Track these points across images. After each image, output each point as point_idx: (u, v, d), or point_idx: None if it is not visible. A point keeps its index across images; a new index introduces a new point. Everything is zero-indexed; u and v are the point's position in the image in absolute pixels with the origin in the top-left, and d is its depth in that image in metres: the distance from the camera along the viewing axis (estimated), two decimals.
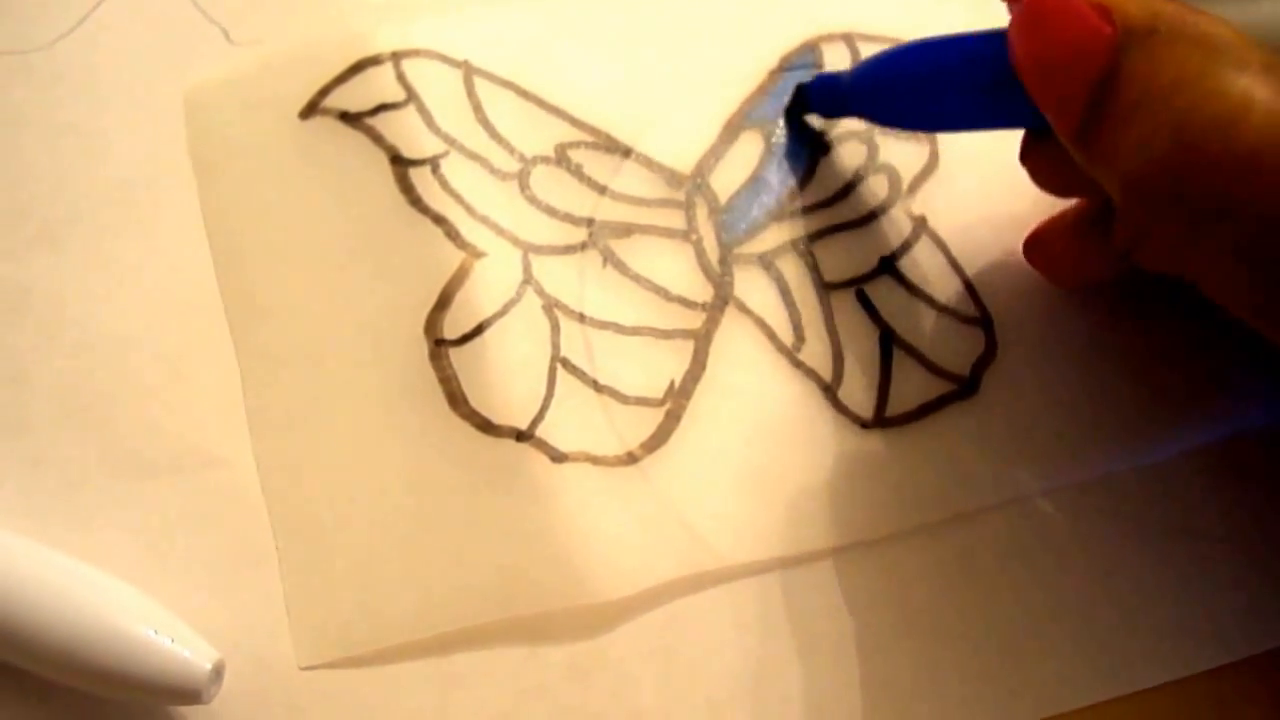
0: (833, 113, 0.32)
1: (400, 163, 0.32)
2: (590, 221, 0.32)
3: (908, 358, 0.31)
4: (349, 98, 0.32)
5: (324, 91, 0.32)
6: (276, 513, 0.28)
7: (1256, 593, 0.29)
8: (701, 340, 0.31)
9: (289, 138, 0.32)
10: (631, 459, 0.29)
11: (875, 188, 0.33)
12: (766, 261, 0.32)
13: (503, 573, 0.28)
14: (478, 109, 0.33)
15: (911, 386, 0.30)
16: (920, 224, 0.32)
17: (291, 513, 0.28)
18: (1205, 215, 0.22)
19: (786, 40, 0.34)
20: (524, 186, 0.32)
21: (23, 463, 0.28)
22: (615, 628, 0.28)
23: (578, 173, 0.32)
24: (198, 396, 0.29)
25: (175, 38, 0.33)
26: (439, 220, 0.31)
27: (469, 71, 0.33)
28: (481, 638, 0.28)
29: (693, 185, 0.32)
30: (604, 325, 0.30)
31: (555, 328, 0.30)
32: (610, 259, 0.31)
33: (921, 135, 0.33)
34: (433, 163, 0.32)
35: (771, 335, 0.31)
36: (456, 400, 0.29)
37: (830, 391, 0.30)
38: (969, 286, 0.32)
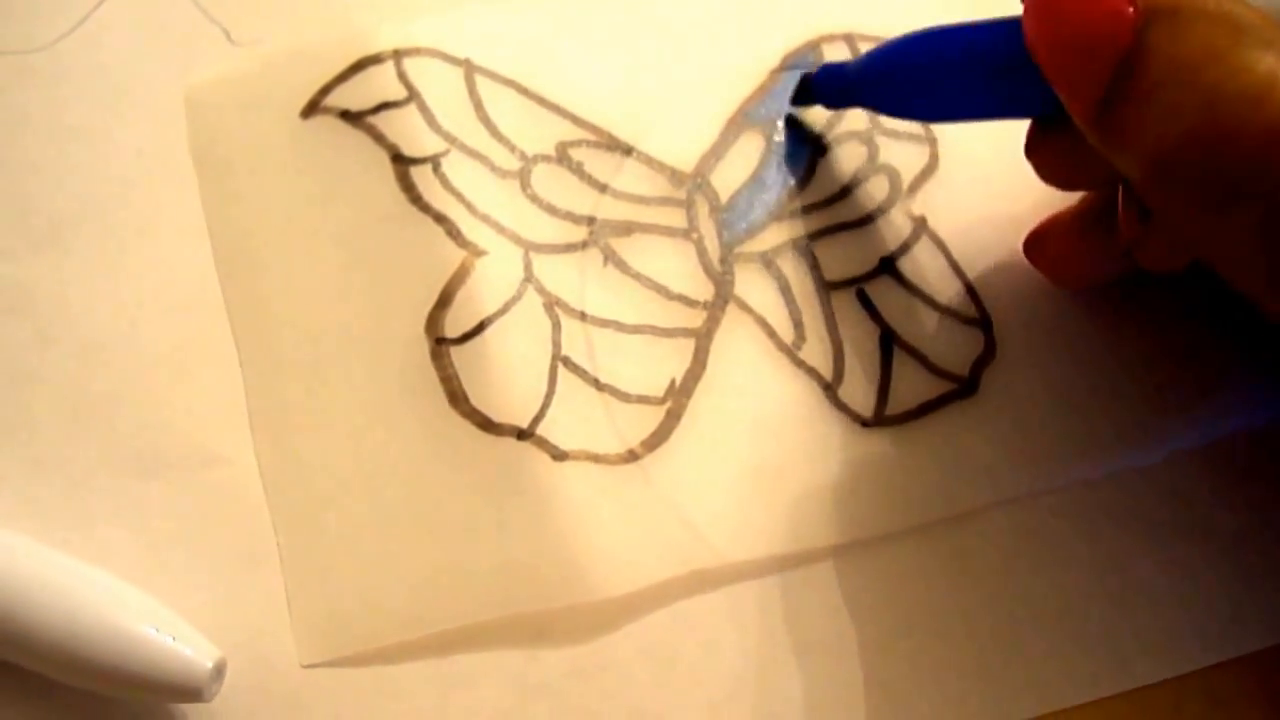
0: (837, 103, 0.32)
1: (401, 161, 0.32)
2: (591, 220, 0.32)
3: (908, 357, 0.31)
4: (350, 96, 0.32)
5: (325, 90, 0.32)
6: (278, 511, 0.28)
7: (1256, 590, 0.29)
8: (702, 339, 0.31)
9: (290, 137, 0.32)
10: (632, 457, 0.29)
11: (875, 188, 0.33)
12: (767, 260, 0.32)
13: (504, 570, 0.28)
14: (479, 107, 0.33)
15: (911, 386, 0.30)
16: (920, 224, 0.32)
17: (293, 511, 0.28)
18: (1230, 190, 0.22)
19: (788, 39, 0.34)
20: (525, 185, 0.32)
21: (24, 462, 0.28)
22: (616, 628, 0.28)
23: (579, 171, 0.32)
24: (199, 395, 0.29)
25: (176, 37, 0.33)
26: (440, 219, 0.31)
27: (470, 70, 0.33)
28: (482, 637, 0.28)
29: (694, 184, 0.32)
30: (605, 324, 0.30)
31: (556, 326, 0.30)
32: (611, 258, 0.31)
33: (922, 136, 0.33)
34: (434, 161, 0.32)
35: (772, 334, 0.31)
36: (457, 399, 0.29)
37: (831, 390, 0.30)
38: (969, 286, 0.32)
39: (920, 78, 0.29)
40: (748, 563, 0.28)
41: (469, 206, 0.31)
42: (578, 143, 0.32)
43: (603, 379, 0.30)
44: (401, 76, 0.32)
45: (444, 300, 0.30)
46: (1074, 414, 0.30)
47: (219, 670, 0.25)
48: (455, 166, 0.32)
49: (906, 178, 0.33)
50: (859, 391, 0.30)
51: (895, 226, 0.32)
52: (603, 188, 0.32)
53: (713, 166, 0.32)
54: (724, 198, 0.32)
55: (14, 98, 0.32)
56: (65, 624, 0.25)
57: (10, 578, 0.25)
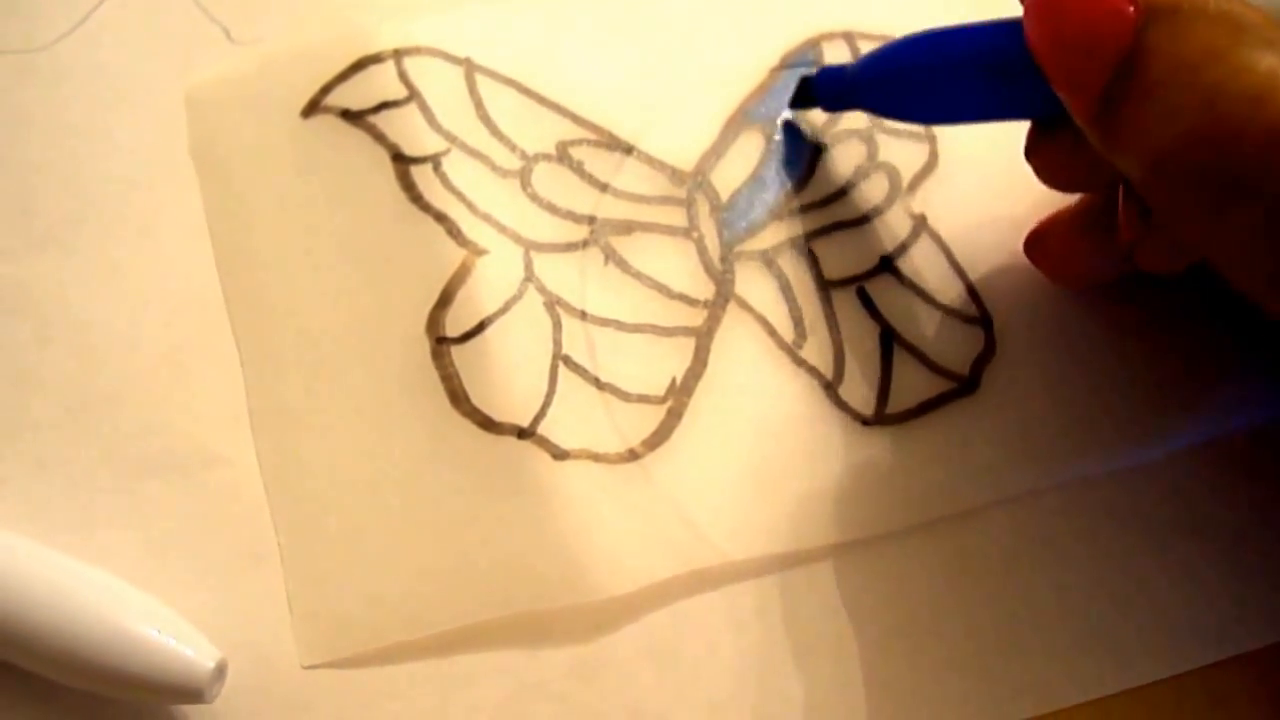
0: (838, 106, 0.32)
1: (402, 160, 0.32)
2: (592, 219, 0.32)
3: (908, 356, 0.31)
4: (350, 96, 0.32)
5: (325, 89, 0.32)
6: (279, 511, 0.28)
7: (1257, 588, 0.29)
8: (703, 338, 0.31)
9: (290, 136, 0.32)
10: (633, 456, 0.29)
11: (875, 186, 0.33)
12: (768, 259, 0.32)
13: (505, 570, 0.28)
14: (479, 106, 0.33)
15: (912, 384, 0.30)
16: (920, 222, 0.32)
17: (294, 511, 0.28)
18: (1230, 190, 0.22)
19: (788, 38, 0.34)
20: (525, 184, 0.32)
21: (25, 463, 0.28)
22: (616, 628, 0.28)
23: (579, 170, 0.32)
24: (200, 395, 0.29)
25: (177, 37, 0.33)
26: (440, 218, 0.31)
27: (470, 69, 0.33)
28: (483, 637, 0.28)
29: (694, 183, 0.32)
30: (605, 323, 0.30)
31: (557, 325, 0.30)
32: (612, 257, 0.31)
33: (921, 134, 0.33)
34: (434, 160, 0.32)
35: (773, 333, 0.31)
36: (458, 398, 0.29)
37: (831, 389, 0.30)
38: (969, 285, 0.32)
39: (920, 79, 0.29)
40: (748, 561, 0.28)
41: (469, 206, 0.31)
42: (578, 142, 0.32)
43: (603, 378, 0.30)
44: (402, 76, 0.32)
45: (445, 299, 0.30)
46: (1074, 412, 0.30)
47: (220, 671, 0.26)
48: (456, 166, 0.32)
49: (906, 176, 0.33)
50: (859, 390, 0.30)
51: (895, 225, 0.32)
52: (603, 187, 0.32)
53: (713, 165, 0.32)
54: (724, 196, 0.32)
55: (14, 97, 0.32)
56: (66, 625, 0.25)
57: (11, 579, 0.25)
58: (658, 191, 0.32)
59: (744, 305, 0.31)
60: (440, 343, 0.30)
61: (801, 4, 0.35)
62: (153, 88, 0.32)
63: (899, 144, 0.33)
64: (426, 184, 0.31)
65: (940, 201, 0.32)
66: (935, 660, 0.28)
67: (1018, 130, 0.28)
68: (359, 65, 0.33)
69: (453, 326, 0.30)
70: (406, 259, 0.31)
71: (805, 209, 0.32)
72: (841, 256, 0.32)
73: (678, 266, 0.31)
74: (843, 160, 0.33)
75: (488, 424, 0.29)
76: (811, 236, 0.32)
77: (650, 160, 0.32)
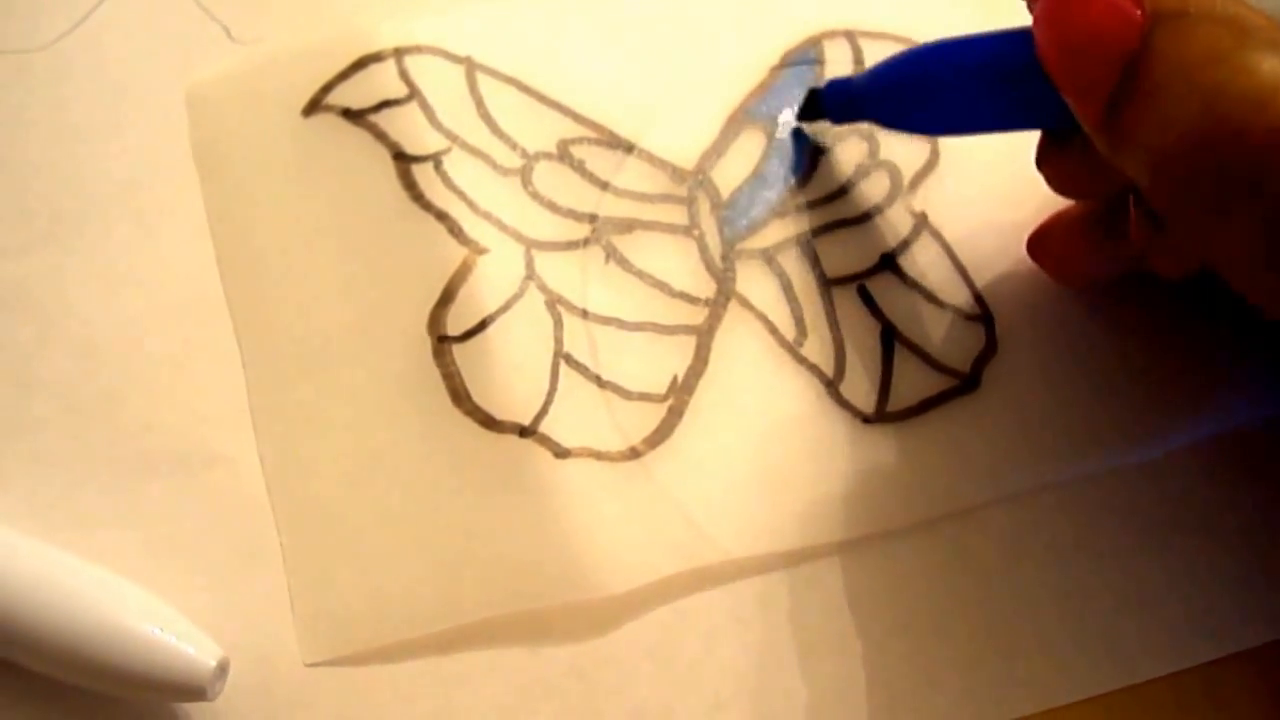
0: (845, 118, 0.32)
1: (403, 159, 0.32)
2: (593, 217, 0.32)
3: (909, 353, 0.31)
4: (351, 94, 0.32)
5: (326, 88, 0.32)
6: (281, 510, 0.28)
7: (1256, 586, 0.29)
8: (704, 336, 0.31)
9: (291, 135, 0.32)
10: (634, 454, 0.29)
11: (876, 184, 0.33)
12: (768, 257, 0.32)
13: (506, 568, 0.28)
14: (480, 105, 0.33)
15: (913, 382, 0.31)
16: (921, 220, 0.32)
17: (295, 510, 0.28)
18: (1234, 190, 0.22)
19: (788, 36, 0.34)
20: (526, 183, 0.32)
21: (27, 461, 0.28)
22: (617, 625, 0.28)
23: (580, 169, 0.32)
24: (202, 394, 0.29)
25: (177, 35, 0.33)
26: (442, 216, 0.31)
27: (471, 68, 0.33)
28: (485, 635, 0.28)
29: (695, 181, 0.32)
30: (607, 321, 0.31)
31: (558, 324, 0.30)
32: (613, 255, 0.31)
33: None
34: (435, 159, 0.32)
35: (773, 331, 0.31)
36: (459, 396, 0.29)
37: (832, 387, 0.30)
38: (970, 282, 0.32)
39: (928, 90, 0.28)
40: (749, 559, 0.28)
41: (470, 204, 0.31)
42: (579, 140, 0.32)
43: (605, 376, 0.30)
44: (403, 74, 0.32)
45: (446, 298, 0.30)
46: (1075, 410, 0.30)
47: (222, 669, 0.26)
48: (457, 164, 0.32)
49: (907, 174, 0.33)
50: (860, 388, 0.30)
51: (896, 223, 0.32)
52: (604, 185, 0.32)
53: (714, 163, 0.33)
54: (725, 194, 0.32)
55: (15, 96, 0.32)
56: (68, 624, 0.25)
57: (13, 577, 0.25)
58: (659, 190, 0.32)
59: (745, 303, 0.31)
60: (442, 341, 0.30)
61: (802, 2, 0.35)
62: (153, 87, 0.33)
63: (900, 142, 0.33)
64: (428, 182, 0.31)
65: (941, 200, 0.32)
66: (936, 657, 0.28)
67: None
68: (360, 64, 0.33)
69: (454, 325, 0.30)
70: (408, 257, 0.31)
71: (806, 207, 0.32)
72: (843, 254, 0.32)
73: (679, 265, 0.31)
74: (844, 158, 0.33)
75: (489, 422, 0.29)
76: (813, 234, 0.32)
77: (651, 158, 0.32)
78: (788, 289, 0.31)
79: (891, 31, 0.34)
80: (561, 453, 0.29)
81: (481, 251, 0.31)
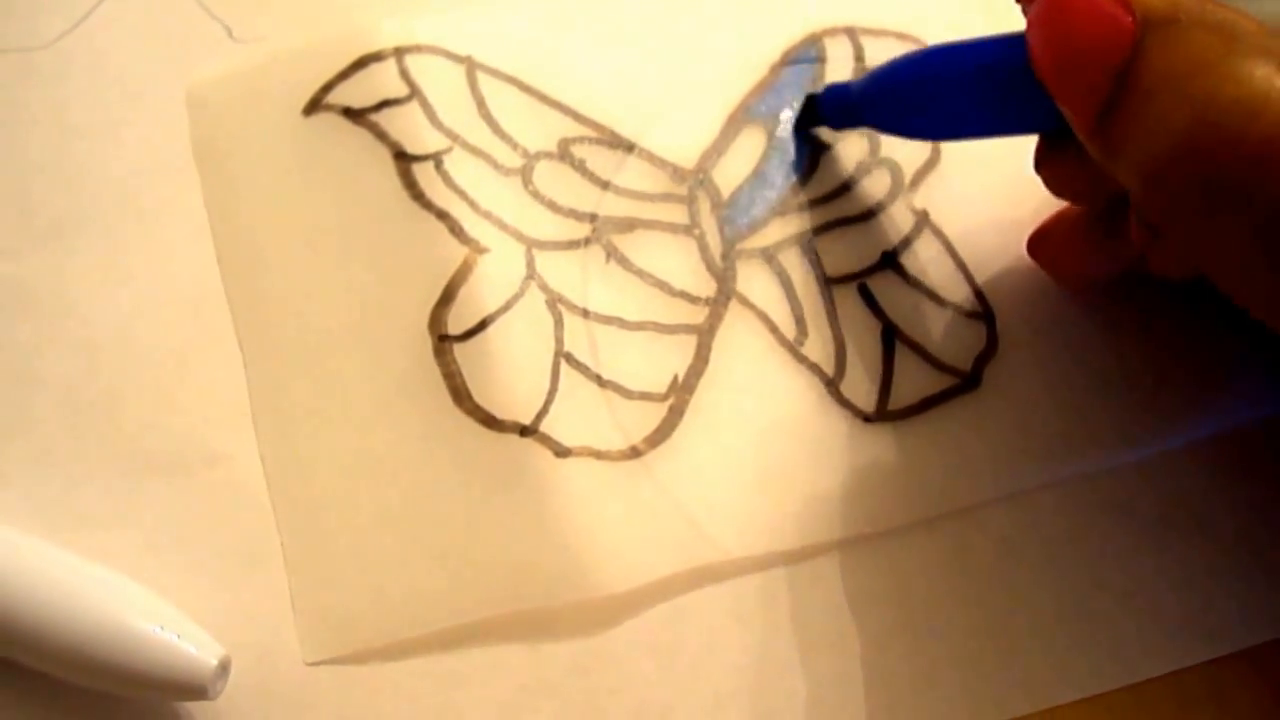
0: (844, 124, 0.32)
1: (403, 158, 0.32)
2: (593, 217, 0.32)
3: (910, 352, 0.31)
4: (352, 94, 0.32)
5: (327, 88, 0.32)
6: (281, 509, 0.28)
7: (1255, 585, 0.29)
8: (704, 335, 0.31)
9: (292, 134, 0.32)
10: (635, 453, 0.29)
11: (877, 182, 0.33)
12: (769, 256, 0.32)
13: (507, 567, 0.28)
14: (481, 104, 0.33)
15: (913, 381, 0.31)
16: (922, 218, 0.32)
17: (296, 508, 0.28)
18: (1225, 198, 0.22)
19: (789, 34, 0.34)
20: (527, 182, 0.32)
21: (28, 460, 0.29)
22: (618, 623, 0.28)
23: (581, 168, 0.32)
24: (202, 393, 0.29)
25: (178, 34, 0.33)
26: (442, 216, 0.31)
27: (472, 67, 0.33)
28: (486, 633, 0.28)
29: (695, 180, 0.32)
30: (607, 320, 0.31)
31: (559, 323, 0.30)
32: (613, 254, 0.31)
33: None
34: (436, 158, 0.32)
35: (774, 329, 0.31)
36: (460, 396, 0.29)
37: (833, 385, 0.30)
38: (971, 281, 0.32)
39: (926, 95, 0.28)
40: (750, 559, 0.28)
41: (471, 204, 0.31)
42: (579, 139, 0.32)
43: (605, 375, 0.30)
44: (403, 74, 0.32)
45: (446, 297, 0.30)
46: (1076, 409, 0.30)
47: (224, 668, 0.26)
48: (457, 164, 0.32)
49: (908, 172, 0.33)
50: (861, 387, 0.30)
51: (897, 221, 0.32)
52: (605, 184, 0.32)
53: (714, 162, 0.32)
54: (726, 194, 0.32)
55: (15, 95, 0.32)
56: (69, 623, 0.25)
57: (14, 576, 0.25)
58: (659, 189, 0.32)
59: (745, 302, 0.31)
60: (442, 340, 0.30)
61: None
62: (154, 86, 0.33)
63: (900, 141, 0.33)
64: (428, 182, 0.31)
65: (942, 197, 0.32)
66: (935, 656, 0.28)
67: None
68: (360, 63, 0.33)
69: (455, 324, 0.30)
70: (408, 257, 0.31)
71: (807, 205, 0.32)
72: (843, 253, 0.32)
73: (679, 264, 0.31)
74: (845, 156, 0.33)
75: (490, 421, 0.29)
76: (813, 233, 0.32)
77: (652, 158, 0.32)
78: (788, 288, 0.31)
79: (892, 28, 0.34)
80: (562, 452, 0.29)
81: (482, 251, 0.31)
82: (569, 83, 0.33)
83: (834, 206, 0.32)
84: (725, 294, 0.31)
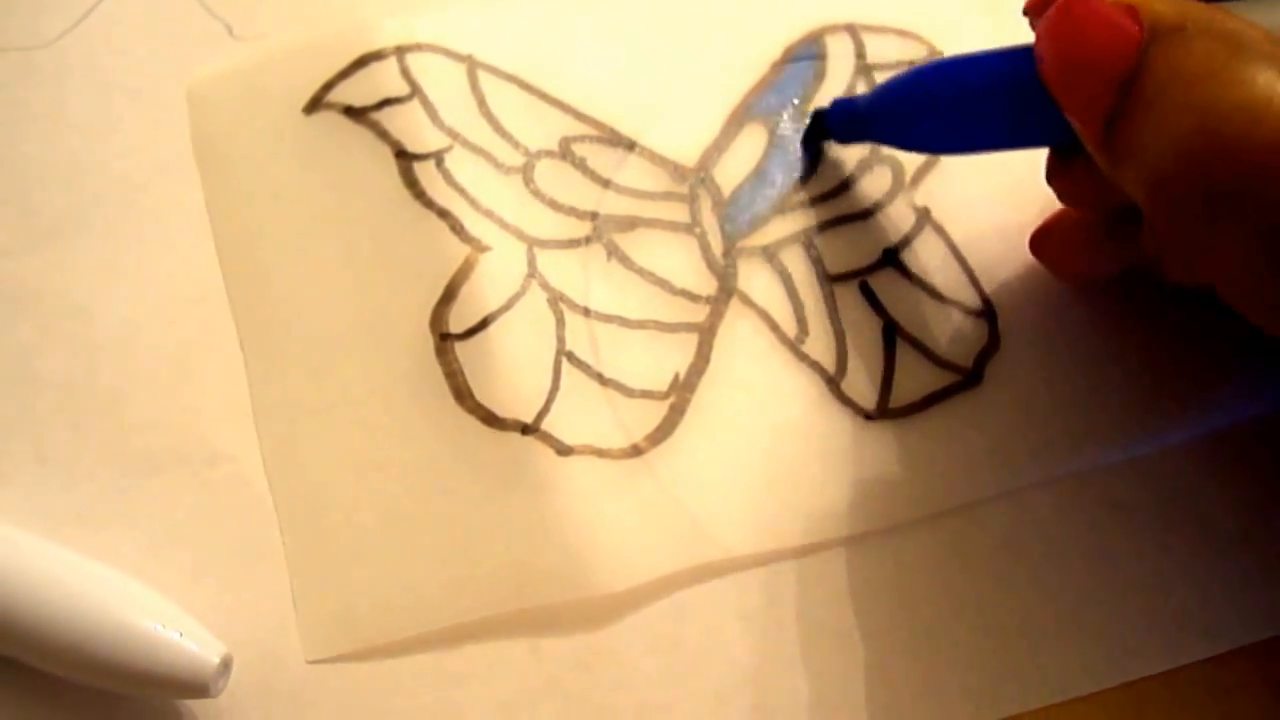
0: (851, 138, 0.32)
1: (405, 157, 0.32)
2: (594, 215, 0.32)
3: (911, 349, 0.31)
4: (353, 92, 0.32)
5: (328, 86, 0.32)
6: (283, 507, 0.28)
7: (1254, 582, 0.29)
8: (705, 333, 0.31)
9: (293, 133, 0.32)
10: (636, 452, 0.29)
11: (878, 180, 0.33)
12: (770, 254, 0.32)
13: (509, 566, 0.28)
14: (482, 103, 0.33)
15: (915, 378, 0.30)
16: (923, 215, 0.32)
17: (298, 507, 0.28)
18: (1228, 205, 0.22)
19: (790, 31, 0.34)
20: (528, 180, 0.32)
21: (29, 459, 0.29)
22: (620, 620, 0.28)
23: (582, 166, 0.32)
24: (203, 392, 0.29)
25: (178, 33, 0.33)
26: (443, 214, 0.31)
27: (473, 66, 0.33)
28: (487, 631, 0.28)
29: (696, 178, 0.32)
30: (609, 319, 0.31)
31: (560, 321, 0.30)
32: (614, 253, 0.31)
33: None
34: (437, 157, 0.32)
35: (775, 328, 0.31)
36: (462, 394, 0.29)
37: (834, 383, 0.30)
38: (972, 278, 0.32)
39: (933, 109, 0.28)
40: (751, 556, 0.28)
41: (472, 202, 0.31)
42: (580, 138, 0.32)
43: (607, 374, 0.30)
44: (404, 72, 0.32)
45: (448, 296, 0.30)
46: (1077, 405, 0.30)
47: (225, 666, 0.26)
48: (458, 162, 0.32)
49: (909, 169, 0.33)
50: (862, 384, 0.30)
51: (898, 218, 0.32)
52: (606, 183, 0.32)
53: (715, 160, 0.32)
54: (727, 192, 0.32)
55: (16, 94, 0.32)
56: (71, 621, 0.25)
57: (15, 574, 0.25)
58: (660, 187, 0.32)
59: (746, 301, 0.31)
60: (444, 339, 0.30)
61: None
62: (155, 84, 0.33)
63: None
64: (429, 180, 0.31)
65: (943, 195, 0.32)
66: (936, 653, 0.28)
67: None
68: (361, 62, 0.33)
69: (456, 323, 0.30)
70: (410, 255, 0.31)
71: (808, 203, 0.32)
72: (844, 250, 0.32)
73: (680, 262, 0.31)
74: (846, 154, 0.33)
75: (491, 420, 0.29)
76: (815, 231, 0.32)
77: (653, 156, 0.32)
78: (789, 286, 0.31)
79: (893, 25, 0.34)
80: (564, 450, 0.29)
81: (483, 249, 0.31)
82: (570, 81, 0.33)
83: (835, 204, 0.32)
84: (726, 292, 0.31)
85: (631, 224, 0.32)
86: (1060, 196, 0.28)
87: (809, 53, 0.34)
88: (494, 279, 0.30)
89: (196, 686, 0.25)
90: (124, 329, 0.30)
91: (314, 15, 0.34)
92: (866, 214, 0.32)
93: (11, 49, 0.33)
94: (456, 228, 0.31)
